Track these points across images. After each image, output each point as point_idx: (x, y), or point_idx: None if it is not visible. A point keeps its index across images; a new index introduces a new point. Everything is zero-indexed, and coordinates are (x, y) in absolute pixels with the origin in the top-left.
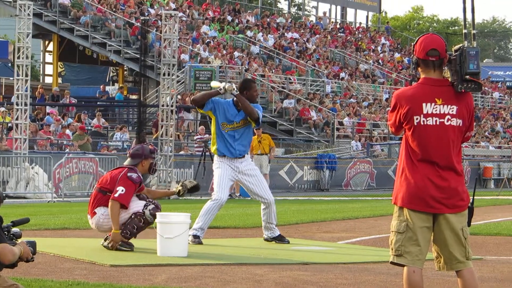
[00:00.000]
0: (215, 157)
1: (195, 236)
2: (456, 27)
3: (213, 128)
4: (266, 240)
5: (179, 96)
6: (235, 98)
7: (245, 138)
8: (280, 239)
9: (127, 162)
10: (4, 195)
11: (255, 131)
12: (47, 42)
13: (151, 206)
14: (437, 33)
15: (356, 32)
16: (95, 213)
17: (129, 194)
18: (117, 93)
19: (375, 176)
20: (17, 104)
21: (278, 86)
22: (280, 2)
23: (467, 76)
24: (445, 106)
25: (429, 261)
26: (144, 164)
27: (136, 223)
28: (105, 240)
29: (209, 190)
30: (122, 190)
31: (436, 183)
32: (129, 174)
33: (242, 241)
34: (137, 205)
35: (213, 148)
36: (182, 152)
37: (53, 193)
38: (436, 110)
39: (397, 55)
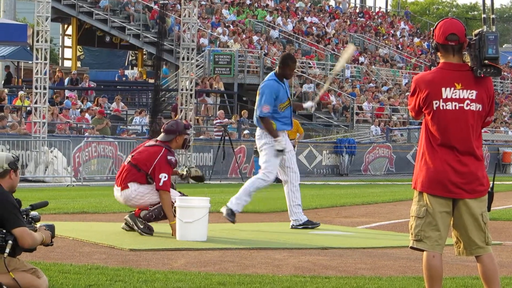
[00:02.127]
0: (265, 136)
1: (233, 211)
2: (475, 12)
3: None
4: (295, 228)
5: (198, 80)
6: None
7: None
8: (310, 223)
9: (161, 137)
10: (16, 158)
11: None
12: (66, 26)
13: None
14: (456, 17)
15: (376, 17)
16: (127, 186)
17: (170, 179)
18: (164, 68)
19: (394, 161)
20: (36, 88)
21: (297, 70)
22: None
23: (486, 61)
24: (465, 91)
25: (449, 246)
26: (178, 140)
27: (159, 211)
28: (126, 224)
29: (229, 175)
30: (165, 177)
31: (456, 168)
32: (169, 157)
33: (262, 226)
34: (172, 193)
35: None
36: (201, 137)
37: (72, 177)
38: (455, 95)
39: (416, 40)
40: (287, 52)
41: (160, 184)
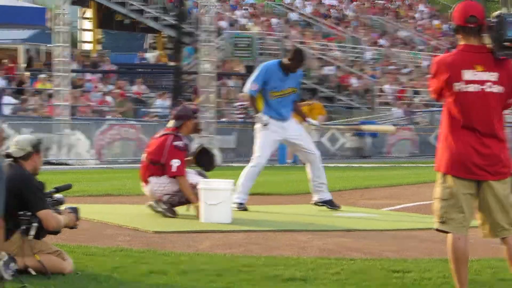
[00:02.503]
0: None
1: (240, 204)
2: None
3: (260, 92)
4: (316, 204)
5: (219, 63)
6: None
7: (289, 102)
8: (331, 204)
9: (171, 123)
10: (39, 141)
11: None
12: (84, 9)
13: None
14: None
15: None
16: (148, 181)
17: (183, 163)
18: (188, 48)
19: (417, 143)
20: (58, 71)
21: (317, 53)
22: None
23: (506, 43)
24: (486, 73)
25: (475, 228)
26: (188, 125)
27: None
28: (151, 206)
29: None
30: (178, 162)
31: (479, 150)
32: (175, 143)
33: (286, 208)
34: (193, 178)
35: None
36: (223, 119)
37: (96, 160)
38: (476, 77)
39: (436, 21)
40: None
41: (173, 170)
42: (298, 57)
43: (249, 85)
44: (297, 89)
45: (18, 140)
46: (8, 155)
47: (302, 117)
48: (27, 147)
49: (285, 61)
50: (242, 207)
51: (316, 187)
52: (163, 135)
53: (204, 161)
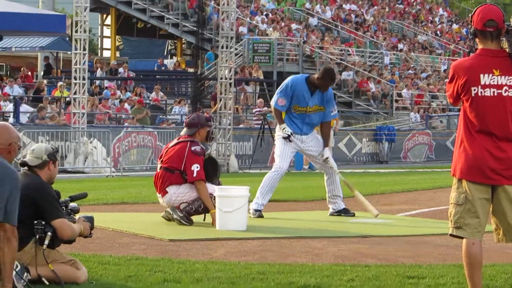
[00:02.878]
0: (278, 128)
1: (256, 210)
2: None
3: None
4: (331, 214)
5: (238, 69)
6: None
7: (313, 122)
8: (345, 212)
9: (184, 131)
10: (55, 150)
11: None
12: (104, 16)
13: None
14: (494, 3)
15: (414, 3)
16: (166, 192)
17: (202, 167)
18: (209, 52)
19: (434, 147)
20: (75, 78)
21: (336, 58)
22: None
23: None
24: (503, 77)
25: (488, 233)
26: (201, 133)
27: (199, 204)
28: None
29: (269, 163)
30: (198, 167)
31: (495, 154)
32: (192, 148)
33: (301, 215)
34: (210, 187)
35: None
36: (241, 126)
37: (112, 168)
38: (493, 81)
39: (455, 26)
40: (330, 67)
41: (194, 175)
42: (327, 76)
43: (277, 99)
44: (324, 108)
45: (34, 148)
46: (23, 164)
47: (325, 141)
48: (43, 155)
49: (313, 78)
50: (257, 213)
51: (330, 199)
52: (179, 142)
53: (209, 171)
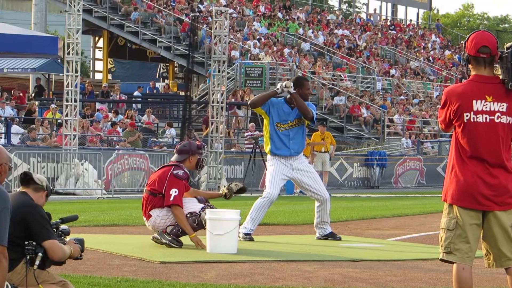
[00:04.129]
0: (269, 156)
1: (246, 234)
2: (506, 24)
3: (266, 128)
4: (318, 239)
5: (229, 93)
6: (288, 96)
7: (299, 136)
8: (332, 235)
9: (174, 158)
10: (51, 188)
11: (319, 127)
12: (97, 38)
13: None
14: (488, 30)
15: (407, 29)
16: (150, 215)
17: (181, 193)
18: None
19: (425, 173)
20: (67, 101)
21: (328, 83)
22: None
23: None
24: (496, 103)
25: (479, 258)
26: (192, 160)
27: (190, 222)
28: (155, 238)
29: (260, 187)
30: (176, 192)
31: (486, 180)
32: (175, 172)
33: (292, 238)
34: (194, 206)
35: (267, 148)
36: (232, 149)
37: (103, 190)
38: (486, 107)
39: (447, 52)
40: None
41: (171, 199)
42: (297, 84)
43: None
44: (305, 120)
45: (36, 175)
46: (26, 173)
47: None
48: (43, 182)
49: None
50: (248, 237)
51: (318, 224)
52: (164, 166)
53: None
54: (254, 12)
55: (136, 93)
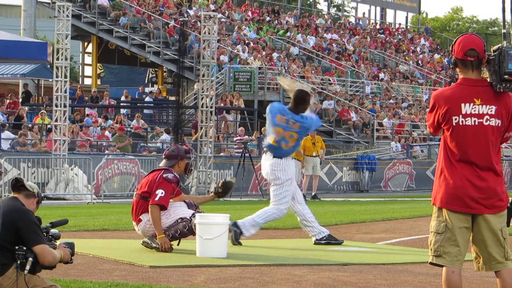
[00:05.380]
0: (286, 162)
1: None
2: (495, 28)
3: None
4: (317, 243)
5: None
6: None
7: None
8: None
9: (163, 163)
10: (42, 196)
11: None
12: (86, 44)
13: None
14: (476, 33)
15: (396, 33)
16: (140, 220)
17: (168, 195)
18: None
19: (415, 177)
20: (56, 106)
21: (317, 87)
22: (319, 3)
23: (506, 76)
24: (484, 106)
25: (468, 261)
26: (180, 165)
27: (181, 228)
28: (145, 243)
29: (249, 191)
30: (162, 193)
31: (475, 184)
32: (164, 175)
33: (281, 242)
34: (185, 211)
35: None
36: (222, 154)
37: (93, 195)
38: (474, 110)
39: (436, 56)
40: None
41: (156, 199)
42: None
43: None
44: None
45: (28, 182)
46: (18, 180)
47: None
48: (35, 190)
49: (290, 108)
50: (238, 242)
51: (308, 223)
52: (153, 171)
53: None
54: (242, 17)
55: (122, 98)
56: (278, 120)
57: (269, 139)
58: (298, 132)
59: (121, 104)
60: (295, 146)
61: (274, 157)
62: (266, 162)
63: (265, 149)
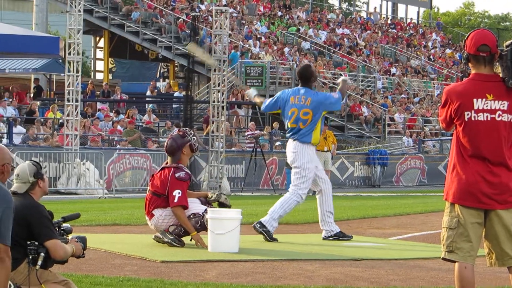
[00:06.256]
0: (308, 148)
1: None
2: (507, 23)
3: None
4: (325, 239)
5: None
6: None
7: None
8: (342, 235)
9: (169, 160)
10: (38, 163)
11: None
12: (98, 38)
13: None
14: (488, 28)
15: (407, 28)
16: (153, 215)
17: (185, 193)
18: (233, 52)
19: (426, 172)
20: (68, 100)
21: (329, 82)
22: None
23: None
24: (496, 101)
25: (481, 257)
26: (185, 151)
27: (193, 224)
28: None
29: (261, 186)
30: (179, 193)
31: (487, 179)
32: (176, 174)
33: (293, 237)
34: (197, 207)
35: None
36: (233, 148)
37: (104, 189)
38: (487, 106)
39: (448, 50)
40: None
41: (175, 200)
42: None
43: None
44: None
45: (19, 174)
46: (14, 193)
47: None
48: (29, 178)
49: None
50: (274, 239)
51: (325, 218)
52: (164, 168)
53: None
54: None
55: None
56: (292, 101)
57: (288, 123)
58: (311, 109)
59: (133, 98)
60: (312, 126)
61: (294, 140)
62: (288, 147)
63: (287, 135)
